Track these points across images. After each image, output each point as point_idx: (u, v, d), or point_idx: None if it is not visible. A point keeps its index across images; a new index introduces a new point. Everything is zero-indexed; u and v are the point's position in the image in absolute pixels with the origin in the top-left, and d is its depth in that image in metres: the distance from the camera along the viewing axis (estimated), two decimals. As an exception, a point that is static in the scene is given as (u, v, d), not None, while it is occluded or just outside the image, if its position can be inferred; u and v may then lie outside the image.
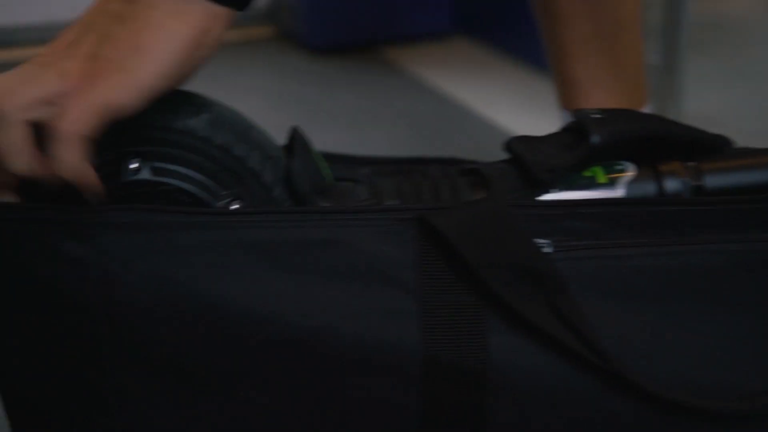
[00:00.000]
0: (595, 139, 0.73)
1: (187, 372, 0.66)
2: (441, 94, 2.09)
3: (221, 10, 0.66)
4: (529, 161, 0.73)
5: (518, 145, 0.75)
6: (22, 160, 0.63)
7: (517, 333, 0.67)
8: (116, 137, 0.67)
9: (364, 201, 0.73)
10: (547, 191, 0.74)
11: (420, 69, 2.25)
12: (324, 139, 0.95)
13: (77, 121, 0.62)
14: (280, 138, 0.76)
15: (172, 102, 0.68)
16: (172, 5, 0.64)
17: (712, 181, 0.74)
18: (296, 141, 0.72)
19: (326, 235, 0.66)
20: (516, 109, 1.97)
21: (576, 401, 0.68)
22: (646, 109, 1.17)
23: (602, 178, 0.75)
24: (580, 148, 0.73)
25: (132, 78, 0.63)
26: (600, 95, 1.13)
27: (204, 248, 0.65)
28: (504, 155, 0.76)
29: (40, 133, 0.63)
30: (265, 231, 0.66)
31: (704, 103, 1.77)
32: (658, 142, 0.74)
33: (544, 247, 0.67)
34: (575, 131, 0.75)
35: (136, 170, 0.68)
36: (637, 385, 0.67)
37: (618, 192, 0.74)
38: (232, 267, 0.65)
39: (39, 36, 2.63)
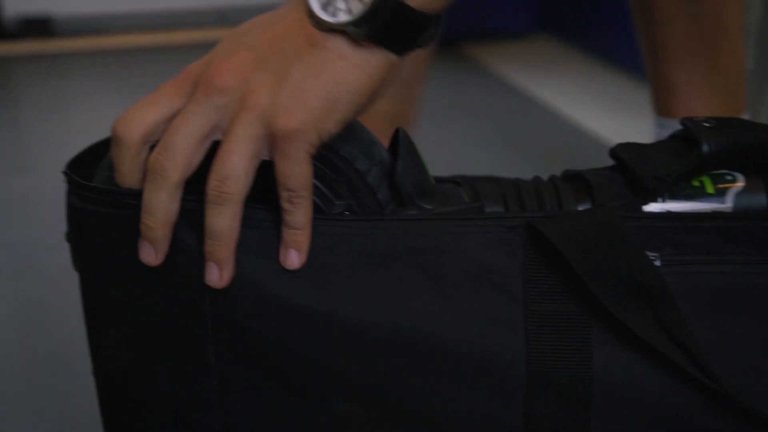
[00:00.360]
0: (706, 148, 0.71)
1: (288, 373, 0.66)
2: (523, 92, 2.07)
3: (397, 60, 0.65)
4: (637, 169, 0.71)
5: (625, 152, 0.73)
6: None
7: (622, 346, 0.65)
8: None
9: (467, 205, 0.72)
10: (653, 200, 0.72)
11: (503, 67, 2.23)
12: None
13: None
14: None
15: None
16: (359, 57, 0.63)
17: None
18: (401, 141, 0.71)
19: (433, 241, 0.65)
20: (599, 110, 1.95)
21: (677, 418, 0.67)
22: (744, 117, 1.14)
23: (710, 189, 0.73)
24: (689, 156, 0.71)
25: (320, 127, 0.63)
26: (698, 101, 1.10)
27: (312, 250, 0.64)
28: (589, 159, 0.75)
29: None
30: (371, 237, 0.65)
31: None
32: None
33: (654, 259, 0.65)
34: (685, 139, 0.73)
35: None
36: (743, 404, 0.65)
37: (726, 203, 0.72)
38: (337, 270, 0.65)
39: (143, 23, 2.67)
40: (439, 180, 0.75)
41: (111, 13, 2.77)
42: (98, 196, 0.66)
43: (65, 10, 2.83)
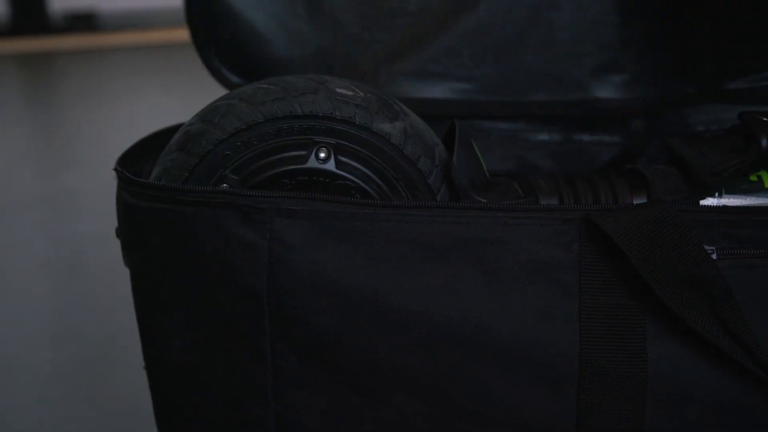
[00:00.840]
0: (766, 143, 0.70)
1: (343, 365, 0.66)
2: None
3: None
4: (695, 164, 0.71)
5: (681, 147, 0.73)
6: None
7: (677, 340, 0.65)
8: (309, 123, 0.68)
9: (522, 199, 0.72)
10: (710, 195, 0.71)
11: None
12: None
13: None
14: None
15: (374, 103, 0.69)
16: None
17: None
18: (458, 134, 0.71)
19: (489, 233, 0.65)
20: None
21: (734, 414, 0.66)
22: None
23: (768, 183, 0.72)
24: (748, 151, 0.71)
25: None
26: None
27: (368, 240, 0.65)
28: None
29: None
30: (427, 226, 0.65)
31: None
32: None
33: (710, 253, 0.65)
34: (742, 134, 0.72)
35: (324, 160, 0.68)
36: None
37: None
38: (392, 261, 0.65)
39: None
40: (494, 174, 0.75)
41: (155, 7, 2.78)
42: (152, 192, 0.67)
43: (110, 5, 2.85)
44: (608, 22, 0.79)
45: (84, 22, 2.90)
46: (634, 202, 0.72)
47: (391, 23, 0.81)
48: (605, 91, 0.82)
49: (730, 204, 0.71)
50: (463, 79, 0.83)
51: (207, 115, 0.70)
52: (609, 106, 0.82)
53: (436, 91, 0.82)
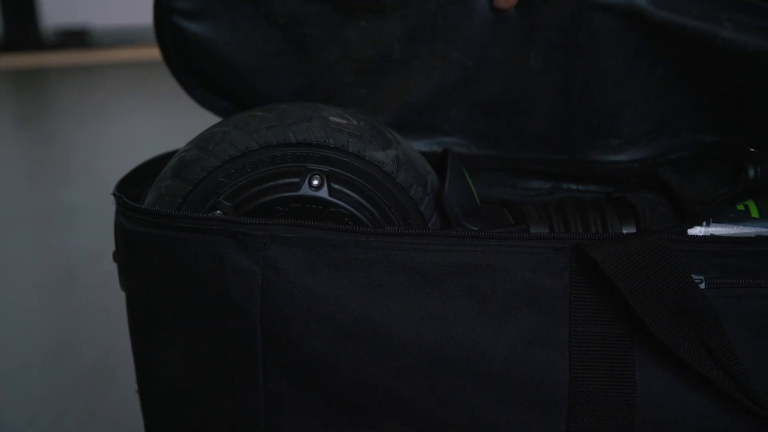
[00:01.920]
0: (753, 173, 0.71)
1: (336, 390, 0.67)
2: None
3: None
4: (683, 194, 0.72)
5: (669, 175, 0.74)
6: None
7: (666, 369, 0.66)
8: (303, 151, 0.69)
9: (513, 227, 0.73)
10: (698, 224, 0.72)
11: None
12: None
13: None
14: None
15: (367, 131, 0.70)
16: None
17: None
18: (450, 163, 0.72)
19: (480, 260, 0.66)
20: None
21: None
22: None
23: (755, 213, 0.73)
24: (736, 181, 0.72)
25: None
26: None
27: (361, 268, 0.66)
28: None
29: None
30: (420, 254, 0.66)
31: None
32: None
33: (699, 282, 0.66)
34: (730, 164, 0.74)
35: (317, 187, 0.69)
36: None
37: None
38: (385, 288, 0.66)
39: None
40: (485, 201, 0.76)
41: (147, 24, 2.79)
42: (149, 218, 0.67)
43: (101, 21, 2.86)
44: (601, 88, 0.79)
45: (76, 38, 2.90)
46: (624, 231, 0.73)
47: (376, 68, 0.81)
48: (599, 153, 0.81)
49: (717, 233, 0.72)
50: (450, 133, 0.82)
51: (202, 142, 0.71)
52: (602, 168, 0.81)
53: (422, 144, 0.82)
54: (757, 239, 0.69)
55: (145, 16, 2.72)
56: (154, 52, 2.66)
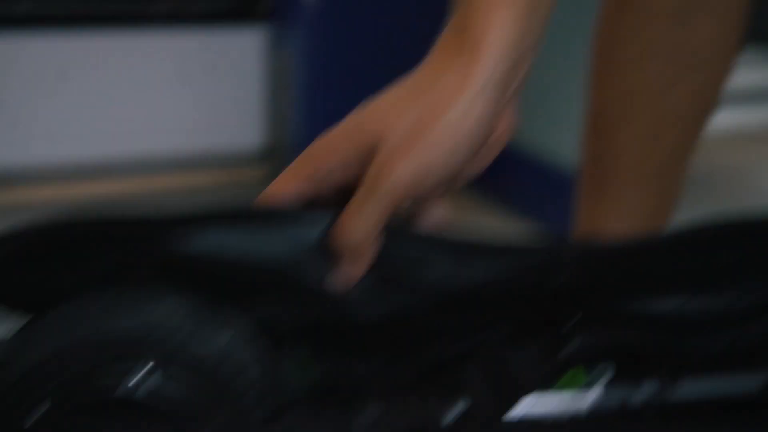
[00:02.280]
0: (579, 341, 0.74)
1: None
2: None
3: None
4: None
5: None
6: None
7: None
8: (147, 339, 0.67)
9: None
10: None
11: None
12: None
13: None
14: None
15: (195, 317, 0.68)
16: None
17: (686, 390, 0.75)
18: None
19: None
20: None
21: None
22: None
23: (582, 379, 0.76)
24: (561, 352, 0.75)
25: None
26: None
27: None
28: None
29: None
30: None
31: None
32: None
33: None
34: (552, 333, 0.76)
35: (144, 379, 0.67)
36: None
37: (594, 393, 0.75)
38: None
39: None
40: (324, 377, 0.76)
41: (76, 159, 2.68)
42: None
43: (22, 158, 2.77)
44: None
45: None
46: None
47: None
48: None
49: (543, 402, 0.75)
50: None
51: None
52: None
53: None
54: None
55: (74, 149, 2.61)
56: (85, 189, 2.54)
